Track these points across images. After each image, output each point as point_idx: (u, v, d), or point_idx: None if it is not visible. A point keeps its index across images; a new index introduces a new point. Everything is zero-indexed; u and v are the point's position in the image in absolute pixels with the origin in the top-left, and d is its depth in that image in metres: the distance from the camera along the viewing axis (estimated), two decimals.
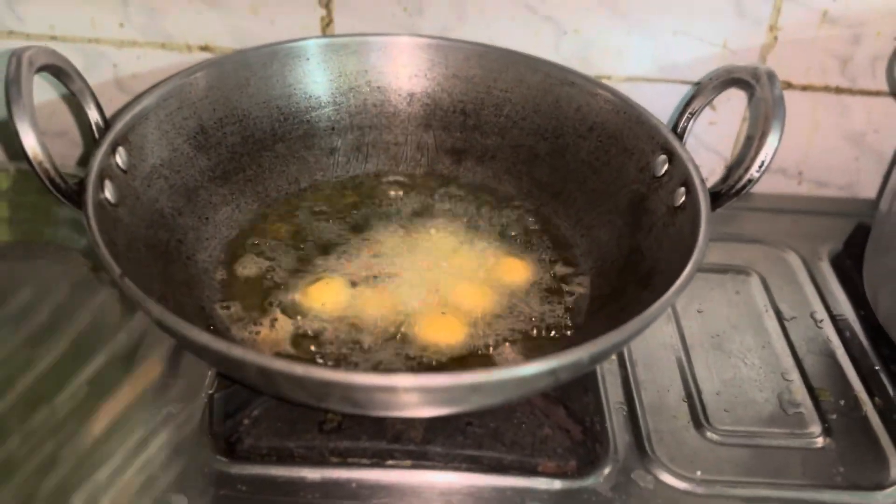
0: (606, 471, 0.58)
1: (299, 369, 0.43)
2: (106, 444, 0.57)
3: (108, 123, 0.61)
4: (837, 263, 0.79)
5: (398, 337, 0.61)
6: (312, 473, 0.57)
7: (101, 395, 0.62)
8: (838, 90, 0.82)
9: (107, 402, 0.61)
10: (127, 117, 0.61)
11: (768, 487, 0.58)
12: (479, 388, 0.47)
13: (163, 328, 0.49)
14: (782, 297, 0.74)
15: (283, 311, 0.63)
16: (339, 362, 0.59)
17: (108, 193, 0.57)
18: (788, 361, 0.68)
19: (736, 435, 0.62)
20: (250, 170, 0.71)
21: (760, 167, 0.58)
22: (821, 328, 0.72)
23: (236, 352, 0.44)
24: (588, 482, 0.57)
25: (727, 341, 0.69)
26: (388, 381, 0.45)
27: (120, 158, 0.60)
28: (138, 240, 0.59)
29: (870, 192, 0.88)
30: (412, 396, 0.46)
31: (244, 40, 0.79)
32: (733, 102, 0.82)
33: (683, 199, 0.60)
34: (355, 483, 0.56)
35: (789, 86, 0.81)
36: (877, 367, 0.68)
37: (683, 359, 0.67)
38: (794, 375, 0.67)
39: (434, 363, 0.59)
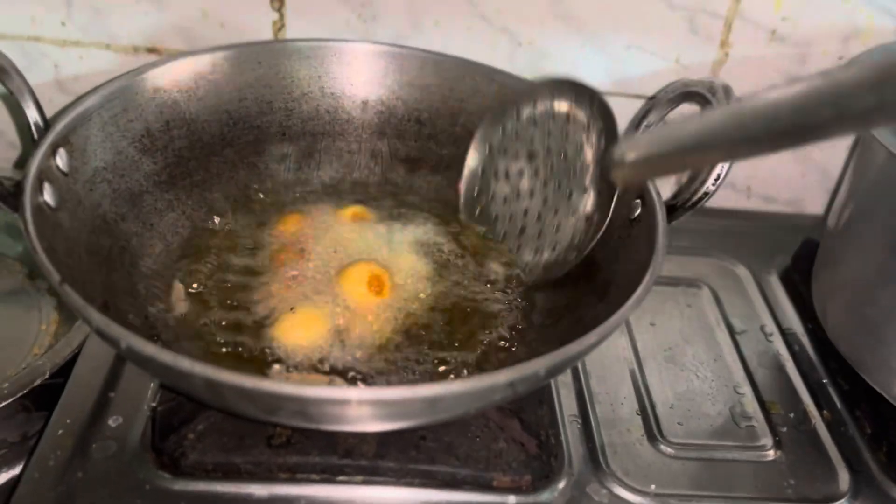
0: (561, 485, 0.57)
1: (249, 382, 0.41)
2: None
3: (48, 124, 0.58)
4: (786, 277, 0.80)
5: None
6: (260, 490, 0.55)
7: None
8: None
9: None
10: (69, 118, 0.59)
11: (721, 500, 0.58)
12: (435, 402, 0.45)
13: (105, 339, 0.47)
14: (733, 311, 0.75)
15: (235, 324, 0.61)
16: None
17: (48, 196, 0.54)
18: (740, 374, 0.69)
19: (689, 448, 0.62)
20: (197, 175, 0.69)
21: (716, 181, 0.58)
22: (771, 342, 0.72)
23: (184, 364, 0.42)
24: (543, 496, 0.57)
25: (680, 354, 0.70)
26: (342, 394, 0.43)
27: (61, 160, 0.57)
28: (79, 245, 0.56)
29: (815, 207, 0.90)
30: (367, 410, 0.45)
31: (193, 43, 0.77)
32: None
33: (639, 211, 0.60)
34: (304, 500, 0.55)
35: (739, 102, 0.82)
36: (825, 381, 0.69)
37: (637, 372, 0.67)
38: (746, 389, 0.67)
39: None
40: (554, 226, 0.61)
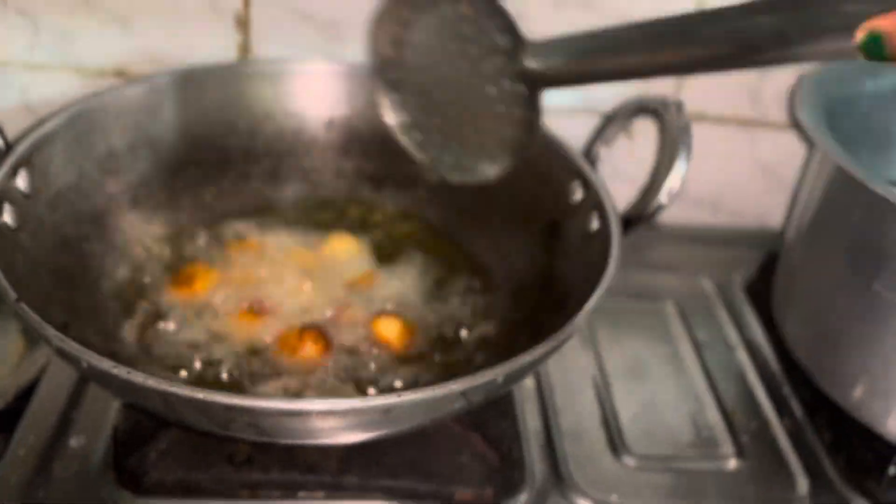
0: (523, 498, 0.58)
1: (201, 394, 0.42)
2: None
3: (9, 145, 0.58)
4: (751, 290, 0.80)
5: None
6: None
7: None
8: (749, 123, 0.85)
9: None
10: (31, 139, 0.59)
11: None
12: (390, 412, 0.46)
13: (62, 356, 0.47)
14: (697, 324, 0.76)
15: (194, 340, 0.62)
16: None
17: (8, 217, 0.55)
18: (703, 386, 0.69)
19: (652, 459, 0.62)
20: (161, 195, 0.69)
21: (670, 193, 0.59)
22: (734, 354, 0.73)
23: (136, 378, 0.42)
24: None
25: (644, 367, 0.70)
26: (295, 405, 0.44)
27: (22, 181, 0.57)
28: (40, 266, 0.57)
29: (779, 221, 0.91)
30: (321, 421, 0.45)
31: (159, 66, 0.77)
32: (652, 134, 0.84)
33: (596, 224, 0.61)
34: None
35: (704, 118, 0.83)
36: (785, 391, 0.69)
37: (601, 384, 0.68)
38: (709, 399, 0.68)
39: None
40: (484, 130, 0.57)
